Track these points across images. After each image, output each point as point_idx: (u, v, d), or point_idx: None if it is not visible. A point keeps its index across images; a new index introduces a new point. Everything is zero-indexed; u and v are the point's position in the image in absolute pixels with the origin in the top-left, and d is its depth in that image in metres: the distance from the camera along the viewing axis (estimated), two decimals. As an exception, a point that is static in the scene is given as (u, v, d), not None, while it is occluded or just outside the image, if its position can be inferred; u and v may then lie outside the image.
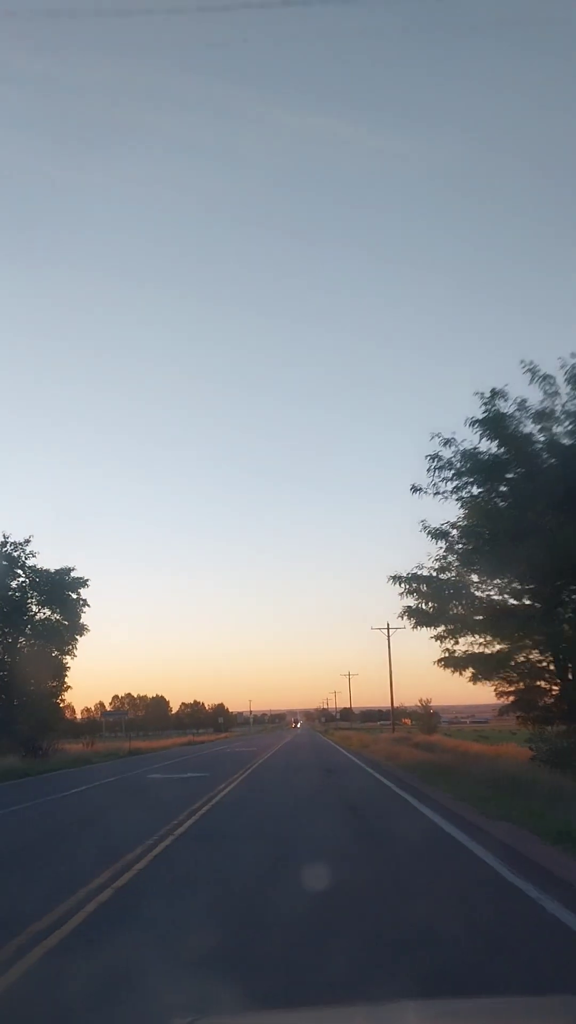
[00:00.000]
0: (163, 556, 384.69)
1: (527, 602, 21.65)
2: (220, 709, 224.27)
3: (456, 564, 22.90)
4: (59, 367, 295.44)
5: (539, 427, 20.25)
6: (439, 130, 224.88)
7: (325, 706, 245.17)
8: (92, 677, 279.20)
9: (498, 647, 22.42)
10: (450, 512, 39.58)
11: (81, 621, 42.94)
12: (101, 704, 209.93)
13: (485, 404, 20.13)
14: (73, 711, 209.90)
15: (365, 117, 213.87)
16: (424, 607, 22.51)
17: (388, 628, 66.75)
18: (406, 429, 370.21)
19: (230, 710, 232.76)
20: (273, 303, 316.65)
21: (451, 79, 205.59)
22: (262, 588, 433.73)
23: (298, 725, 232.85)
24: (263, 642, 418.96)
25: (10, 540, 40.09)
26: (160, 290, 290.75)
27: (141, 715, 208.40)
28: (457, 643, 22.48)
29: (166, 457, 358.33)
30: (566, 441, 19.80)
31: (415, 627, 22.89)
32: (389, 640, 66.34)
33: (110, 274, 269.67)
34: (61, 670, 42.66)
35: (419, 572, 22.77)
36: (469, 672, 22.80)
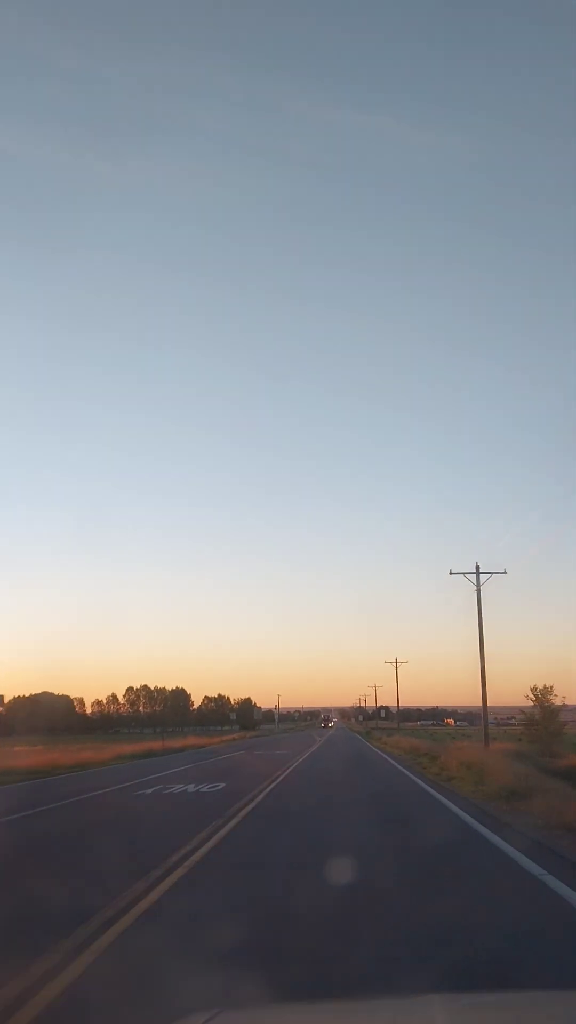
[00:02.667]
0: (190, 545, 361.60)
1: None
2: (246, 704, 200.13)
3: None
4: (85, 358, 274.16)
5: None
6: (484, 124, 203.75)
7: (363, 703, 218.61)
8: (106, 668, 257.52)
9: None
10: None
11: None
12: (114, 697, 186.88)
13: None
14: (83, 704, 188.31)
15: (408, 112, 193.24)
16: None
17: (477, 572, 40.36)
18: (441, 417, 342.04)
19: (259, 706, 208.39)
20: (312, 294, 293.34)
21: (497, 72, 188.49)
22: (297, 579, 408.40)
23: (331, 724, 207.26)
24: (296, 636, 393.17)
25: None
26: (194, 280, 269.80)
27: (158, 710, 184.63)
28: None
29: (194, 441, 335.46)
30: None
31: None
32: (479, 591, 39.89)
33: (145, 265, 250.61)
34: None
35: None
36: None
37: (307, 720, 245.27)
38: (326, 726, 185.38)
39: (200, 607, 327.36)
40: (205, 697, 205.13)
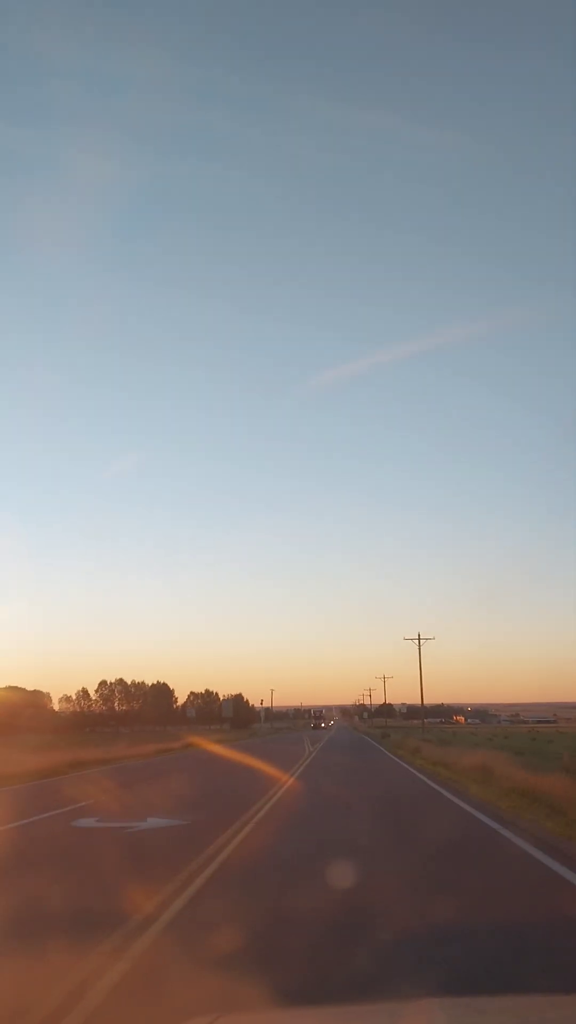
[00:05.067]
0: (178, 529, 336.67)
1: None
2: (237, 700, 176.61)
3: None
4: (84, 347, 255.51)
5: None
6: (490, 123, 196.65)
7: (366, 699, 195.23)
8: (76, 661, 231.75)
9: None
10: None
11: None
12: (84, 692, 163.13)
13: None
14: (49, 700, 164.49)
15: (415, 111, 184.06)
16: None
17: None
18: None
19: (250, 702, 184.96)
20: (317, 293, 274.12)
21: (502, 71, 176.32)
22: (295, 571, 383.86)
23: (329, 724, 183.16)
24: (294, 630, 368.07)
25: None
26: (205, 272, 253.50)
27: (136, 707, 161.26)
28: None
29: (186, 426, 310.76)
30: None
31: None
32: None
33: (152, 267, 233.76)
34: None
35: None
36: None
37: (304, 718, 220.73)
38: (318, 726, 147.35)
39: (189, 596, 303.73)
40: (191, 693, 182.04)
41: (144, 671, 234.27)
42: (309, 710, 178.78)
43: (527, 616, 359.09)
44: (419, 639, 67.46)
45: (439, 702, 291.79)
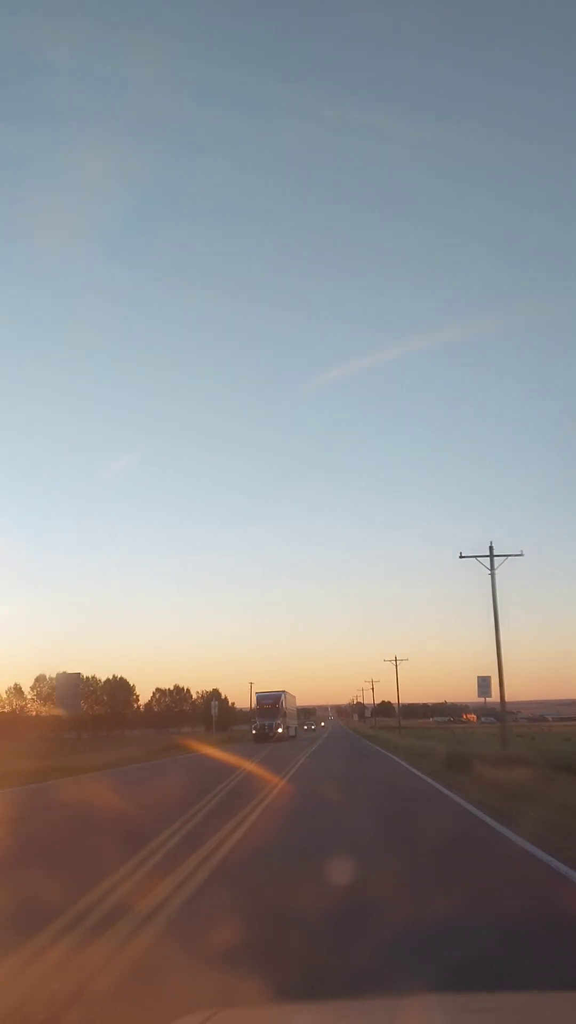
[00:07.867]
0: (166, 530, 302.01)
1: None
2: (212, 698, 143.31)
3: None
4: (81, 360, 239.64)
5: None
6: (486, 124, 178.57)
7: (370, 696, 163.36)
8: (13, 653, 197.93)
9: None
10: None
11: None
12: (17, 688, 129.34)
13: None
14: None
15: (408, 111, 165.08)
16: None
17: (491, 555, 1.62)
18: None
19: (231, 702, 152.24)
20: (309, 299, 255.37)
21: (499, 71, 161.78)
22: (285, 563, 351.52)
23: (321, 725, 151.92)
24: (283, 623, 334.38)
25: None
26: (210, 267, 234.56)
27: (86, 706, 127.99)
28: None
29: (169, 410, 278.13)
30: None
31: None
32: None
33: (144, 268, 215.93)
34: None
35: None
36: None
37: (298, 719, 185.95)
38: (271, 732, 61.27)
39: (166, 588, 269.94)
40: (156, 690, 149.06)
41: (102, 667, 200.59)
42: (309, 710, 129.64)
43: (523, 614, 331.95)
44: (491, 556, 30.80)
45: (443, 701, 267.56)
